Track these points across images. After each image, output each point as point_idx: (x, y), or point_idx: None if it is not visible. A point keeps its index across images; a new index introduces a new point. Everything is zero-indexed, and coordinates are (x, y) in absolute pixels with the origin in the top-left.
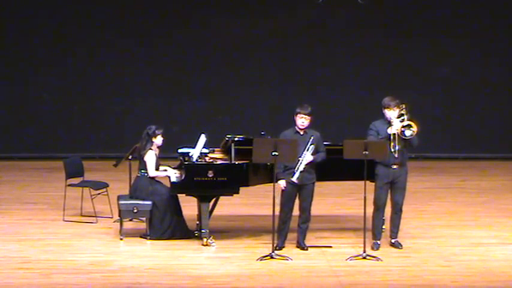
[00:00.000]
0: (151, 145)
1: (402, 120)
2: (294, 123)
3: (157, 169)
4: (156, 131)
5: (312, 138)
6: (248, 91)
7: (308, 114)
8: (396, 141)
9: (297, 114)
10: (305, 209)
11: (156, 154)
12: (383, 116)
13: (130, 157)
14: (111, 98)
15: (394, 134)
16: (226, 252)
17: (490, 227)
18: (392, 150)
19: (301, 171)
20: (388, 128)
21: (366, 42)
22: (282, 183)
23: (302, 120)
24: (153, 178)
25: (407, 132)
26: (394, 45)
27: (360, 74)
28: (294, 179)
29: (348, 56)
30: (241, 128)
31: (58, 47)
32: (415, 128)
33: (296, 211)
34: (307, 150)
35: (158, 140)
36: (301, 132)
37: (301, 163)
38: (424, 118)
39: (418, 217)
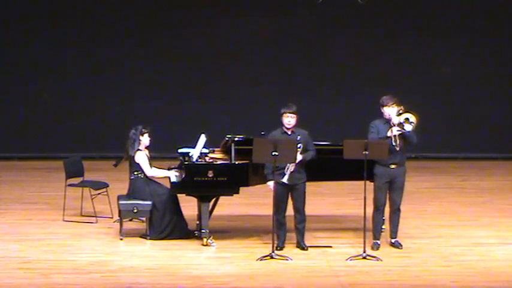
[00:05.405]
0: (139, 145)
1: (400, 114)
2: (281, 123)
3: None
4: (143, 129)
5: (299, 137)
6: (248, 91)
7: (293, 113)
8: (397, 140)
9: (282, 114)
10: (298, 210)
11: (146, 154)
12: (382, 115)
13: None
14: (111, 98)
15: (394, 136)
16: (226, 252)
17: (490, 227)
18: (394, 144)
19: (291, 172)
20: (388, 129)
21: (366, 42)
22: (270, 184)
23: (288, 120)
24: (149, 178)
25: (408, 127)
26: (394, 45)
27: (359, 74)
28: (284, 179)
29: (348, 56)
30: (241, 128)
31: (58, 47)
32: (413, 119)
33: (291, 211)
34: None
35: (145, 139)
36: (289, 132)
37: (290, 163)
38: (424, 118)
39: (417, 217)
